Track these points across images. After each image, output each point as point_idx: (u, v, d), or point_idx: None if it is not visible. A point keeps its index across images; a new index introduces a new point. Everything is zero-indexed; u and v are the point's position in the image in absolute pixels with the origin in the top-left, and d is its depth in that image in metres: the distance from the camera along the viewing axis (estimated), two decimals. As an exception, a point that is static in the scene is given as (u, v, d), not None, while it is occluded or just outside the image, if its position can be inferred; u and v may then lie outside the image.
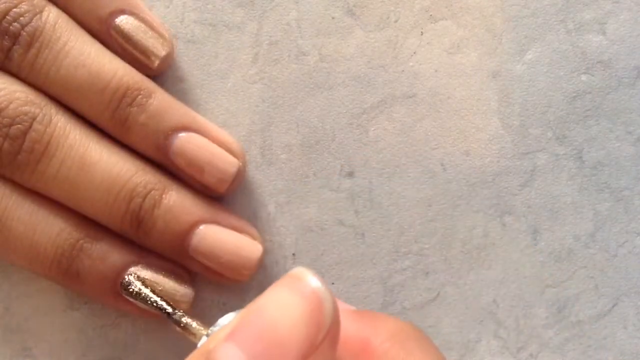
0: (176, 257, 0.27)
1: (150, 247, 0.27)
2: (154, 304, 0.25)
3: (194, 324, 0.24)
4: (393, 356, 0.20)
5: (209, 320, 0.27)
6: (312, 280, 0.18)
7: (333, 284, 0.29)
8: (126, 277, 0.26)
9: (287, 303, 0.18)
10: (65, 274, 0.26)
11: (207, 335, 0.23)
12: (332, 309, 0.18)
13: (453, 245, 0.29)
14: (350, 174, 0.29)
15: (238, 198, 0.29)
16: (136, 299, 0.26)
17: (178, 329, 0.24)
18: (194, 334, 0.24)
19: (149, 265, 0.27)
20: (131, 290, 0.26)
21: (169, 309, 0.25)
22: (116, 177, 0.26)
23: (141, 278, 0.26)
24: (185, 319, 0.24)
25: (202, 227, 0.27)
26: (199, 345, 0.23)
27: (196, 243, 0.27)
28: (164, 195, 0.27)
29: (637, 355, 0.30)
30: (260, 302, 0.18)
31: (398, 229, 0.29)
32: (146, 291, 0.26)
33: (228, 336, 0.17)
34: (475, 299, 0.29)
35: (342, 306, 0.21)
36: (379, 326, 0.21)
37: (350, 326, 0.21)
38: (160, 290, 0.26)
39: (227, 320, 0.20)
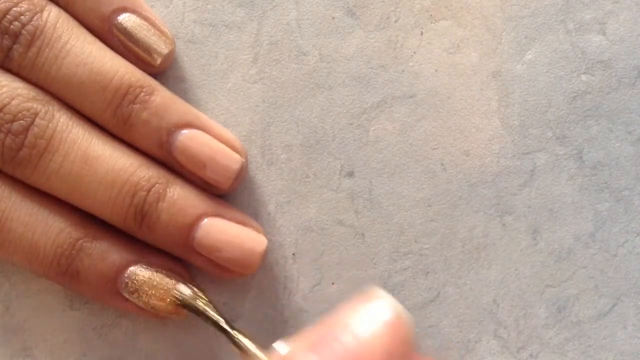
0: (180, 251, 0.27)
1: (154, 242, 0.27)
2: (211, 320, 0.26)
3: (252, 346, 0.24)
4: None
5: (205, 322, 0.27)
6: (391, 298, 0.18)
7: (333, 284, 0.29)
8: (181, 290, 0.26)
9: (369, 317, 0.18)
10: (65, 273, 0.26)
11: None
12: (411, 328, 0.18)
13: (453, 245, 0.29)
14: (350, 174, 0.29)
15: (238, 198, 0.29)
16: (194, 313, 0.26)
17: (234, 348, 0.25)
18: (249, 356, 0.24)
19: (149, 264, 0.27)
20: (189, 304, 0.26)
21: (227, 327, 0.25)
22: (120, 171, 0.26)
23: (146, 278, 0.26)
24: (243, 339, 0.25)
25: (206, 221, 0.27)
26: None
27: (201, 236, 0.27)
28: (168, 189, 0.27)
29: (637, 355, 0.30)
30: (340, 316, 0.18)
31: (398, 229, 0.29)
32: (205, 307, 0.26)
33: (309, 347, 0.17)
34: (475, 299, 0.29)
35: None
36: None
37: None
38: (160, 289, 0.26)
39: (280, 346, 0.20)
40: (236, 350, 0.25)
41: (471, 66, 0.29)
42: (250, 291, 0.29)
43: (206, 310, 0.26)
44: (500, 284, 0.29)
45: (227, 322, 0.26)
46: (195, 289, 0.27)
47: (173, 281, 0.27)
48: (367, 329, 0.18)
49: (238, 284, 0.29)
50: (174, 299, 0.26)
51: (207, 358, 0.29)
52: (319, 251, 0.29)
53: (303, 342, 0.18)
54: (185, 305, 0.26)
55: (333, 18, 0.29)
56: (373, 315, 0.18)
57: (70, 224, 0.26)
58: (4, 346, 0.29)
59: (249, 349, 0.24)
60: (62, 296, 0.29)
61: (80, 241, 0.26)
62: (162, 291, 0.27)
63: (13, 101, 0.25)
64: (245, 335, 0.25)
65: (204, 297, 0.26)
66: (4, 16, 0.25)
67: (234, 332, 0.25)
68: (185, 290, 0.26)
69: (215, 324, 0.26)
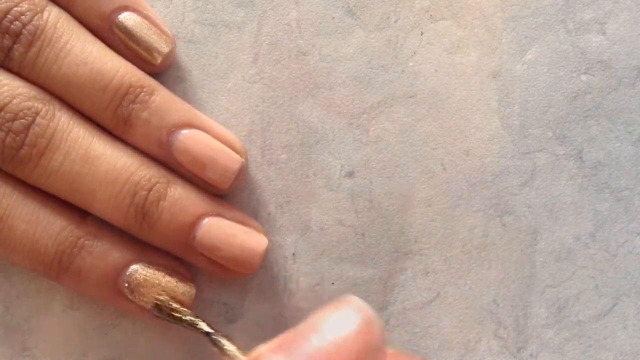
0: (180, 251, 0.27)
1: (154, 242, 0.27)
2: (189, 323, 0.26)
3: (232, 347, 0.24)
4: None
5: (208, 321, 0.27)
6: (363, 304, 0.19)
7: (333, 284, 0.29)
8: (160, 297, 0.26)
9: (338, 322, 0.18)
10: (66, 271, 0.26)
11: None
12: (381, 332, 0.18)
13: (453, 245, 0.29)
14: (350, 174, 0.29)
15: (238, 198, 0.29)
16: (169, 318, 0.26)
17: (215, 349, 0.25)
18: (229, 356, 0.24)
19: (150, 263, 0.27)
20: (163, 309, 0.26)
21: (207, 329, 0.25)
22: (121, 170, 0.26)
23: (147, 277, 0.26)
24: (223, 341, 0.25)
25: (206, 220, 0.27)
26: None
27: (201, 236, 0.27)
28: (168, 189, 0.27)
29: (637, 355, 0.30)
30: (310, 321, 0.18)
31: (398, 229, 0.29)
32: (181, 310, 0.26)
33: (276, 348, 0.17)
34: (475, 299, 0.29)
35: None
36: None
37: None
38: (161, 288, 0.26)
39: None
40: (215, 350, 0.25)
41: (471, 66, 0.29)
42: (250, 291, 0.29)
43: (184, 314, 0.26)
44: (500, 284, 0.29)
45: (207, 325, 0.26)
46: (172, 303, 0.27)
47: (174, 280, 0.27)
48: (336, 333, 0.18)
49: (238, 284, 0.29)
50: (152, 308, 0.26)
51: (207, 358, 0.29)
52: (319, 251, 0.29)
53: (272, 343, 0.18)
54: (161, 310, 0.26)
55: (333, 18, 0.29)
56: (343, 320, 0.19)
57: (72, 222, 0.26)
58: (4, 346, 0.29)
59: (228, 350, 0.24)
60: (62, 296, 0.29)
61: (82, 239, 0.26)
62: (162, 290, 0.27)
63: (14, 100, 0.25)
64: (223, 336, 0.25)
65: (182, 308, 0.26)
66: (5, 16, 0.26)
67: (215, 332, 0.25)
68: (164, 299, 0.26)
69: (195, 327, 0.26)
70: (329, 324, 0.19)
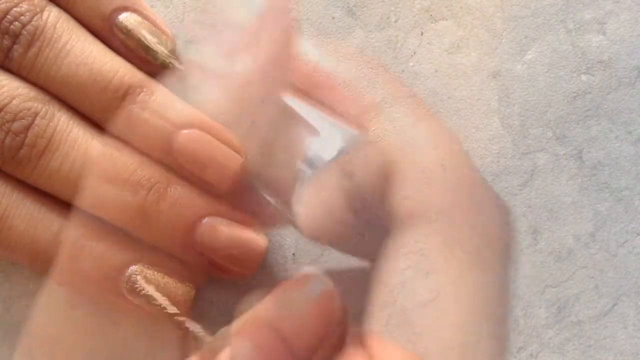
0: (180, 251, 0.27)
1: (154, 242, 0.27)
2: (158, 305, 0.26)
3: (198, 328, 0.24)
4: (366, 98, 0.20)
5: (208, 321, 0.27)
6: (323, 278, 0.18)
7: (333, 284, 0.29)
8: (132, 276, 0.26)
9: (296, 299, 0.18)
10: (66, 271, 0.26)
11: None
12: (341, 308, 0.18)
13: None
14: (351, 174, 0.29)
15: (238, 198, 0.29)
16: (140, 299, 0.26)
17: (180, 331, 0.25)
18: (196, 338, 0.24)
19: (150, 264, 0.27)
20: (136, 288, 0.26)
21: (173, 310, 0.25)
22: (120, 170, 0.26)
23: (146, 278, 0.26)
24: (189, 323, 0.24)
25: (206, 220, 0.27)
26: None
27: (201, 236, 0.27)
28: (168, 189, 0.27)
29: (637, 355, 0.30)
30: (269, 299, 0.18)
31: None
32: (152, 291, 0.26)
33: (237, 330, 0.17)
34: (476, 299, 0.29)
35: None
36: (349, 64, 0.20)
37: (326, 62, 0.20)
38: (161, 288, 0.26)
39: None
40: (183, 334, 0.25)
41: (471, 66, 0.29)
42: (251, 291, 0.29)
43: (153, 296, 0.26)
44: (500, 284, 0.29)
45: (172, 306, 0.26)
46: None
47: (173, 281, 0.27)
48: (296, 308, 0.18)
49: (238, 284, 0.29)
50: (124, 286, 0.26)
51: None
52: (319, 251, 0.29)
53: (236, 323, 0.18)
54: (133, 292, 0.26)
55: (333, 18, 0.29)
56: (303, 294, 0.18)
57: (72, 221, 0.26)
58: (4, 346, 0.29)
59: (194, 331, 0.25)
60: (62, 296, 0.29)
61: (82, 239, 0.26)
62: (162, 290, 0.27)
63: (13, 101, 0.25)
64: (193, 322, 0.25)
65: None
66: (4, 16, 0.25)
67: (182, 316, 0.25)
68: (138, 278, 0.26)
69: (164, 310, 0.26)
70: (289, 299, 0.18)
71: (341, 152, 0.17)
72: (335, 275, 0.22)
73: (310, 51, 0.20)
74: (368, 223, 0.19)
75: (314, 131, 0.18)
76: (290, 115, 0.18)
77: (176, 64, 0.26)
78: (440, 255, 0.17)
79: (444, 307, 0.16)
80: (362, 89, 0.19)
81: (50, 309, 0.29)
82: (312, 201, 0.17)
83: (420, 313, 0.16)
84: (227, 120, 0.16)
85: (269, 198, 0.18)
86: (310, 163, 0.17)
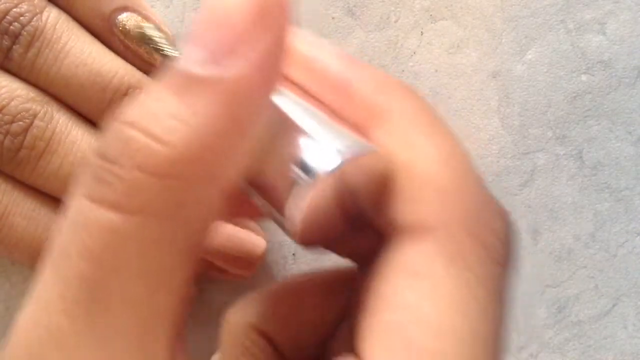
0: None
1: None
2: (150, 42, 0.26)
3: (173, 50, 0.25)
4: (373, 104, 0.19)
5: (208, 321, 0.27)
6: None
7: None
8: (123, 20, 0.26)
9: None
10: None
11: None
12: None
13: (453, 245, 0.29)
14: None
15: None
16: (132, 39, 0.26)
17: (160, 57, 0.25)
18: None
19: None
20: (127, 29, 0.26)
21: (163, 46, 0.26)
22: None
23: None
24: (169, 49, 0.25)
25: None
26: None
27: None
28: None
29: (637, 355, 0.30)
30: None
31: (398, 229, 0.29)
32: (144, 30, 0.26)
33: (185, 43, 0.17)
34: (475, 299, 0.29)
35: (332, 47, 0.20)
36: (365, 73, 0.20)
37: (332, 63, 0.20)
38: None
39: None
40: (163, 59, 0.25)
41: (471, 66, 0.29)
42: (250, 291, 0.29)
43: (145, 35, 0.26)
44: (500, 284, 0.29)
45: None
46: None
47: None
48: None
49: (238, 284, 0.29)
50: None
51: (207, 358, 0.29)
52: (319, 251, 0.29)
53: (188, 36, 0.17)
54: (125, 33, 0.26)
55: (333, 18, 0.29)
56: None
57: None
58: (4, 346, 0.29)
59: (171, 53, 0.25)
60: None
61: None
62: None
63: (12, 102, 0.25)
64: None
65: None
66: (4, 17, 0.25)
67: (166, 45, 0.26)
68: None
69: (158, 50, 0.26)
70: None
71: (340, 159, 0.17)
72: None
73: (319, 50, 0.19)
74: (362, 231, 0.19)
75: (310, 136, 0.17)
76: (285, 119, 0.17)
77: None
78: (444, 272, 0.16)
79: (447, 325, 0.16)
80: (371, 95, 0.19)
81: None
82: (306, 208, 0.17)
83: (426, 335, 0.16)
84: (219, 130, 0.15)
85: (261, 204, 0.18)
86: (306, 169, 0.17)
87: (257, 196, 0.18)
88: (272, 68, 0.16)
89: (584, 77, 0.29)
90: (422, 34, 0.29)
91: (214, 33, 0.16)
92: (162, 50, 0.26)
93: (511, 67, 0.29)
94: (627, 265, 0.29)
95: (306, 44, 0.19)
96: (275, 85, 0.17)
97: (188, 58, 0.16)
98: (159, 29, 0.28)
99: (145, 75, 0.27)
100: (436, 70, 0.29)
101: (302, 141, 0.17)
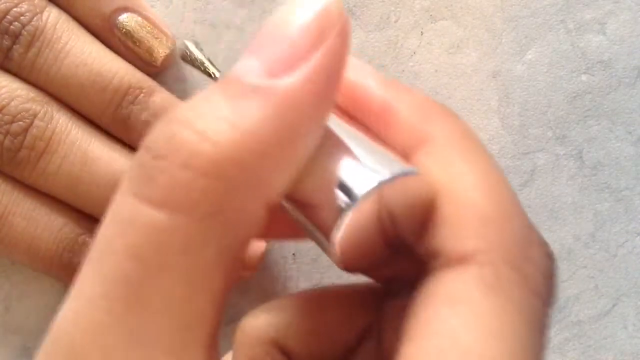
0: None
1: None
2: (204, 68, 0.26)
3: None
4: (416, 129, 0.19)
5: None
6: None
7: (333, 283, 0.29)
8: (185, 42, 0.27)
9: (294, 7, 0.17)
10: (66, 268, 0.26)
11: None
12: (339, 6, 0.17)
13: (453, 245, 0.29)
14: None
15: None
16: (192, 63, 0.26)
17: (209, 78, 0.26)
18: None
19: None
20: (188, 54, 0.26)
21: (215, 72, 0.26)
22: (119, 172, 0.26)
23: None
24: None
25: None
26: None
27: None
28: None
29: (637, 355, 0.30)
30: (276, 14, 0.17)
31: (398, 229, 0.29)
32: (201, 57, 0.26)
33: (245, 51, 0.17)
34: (475, 299, 0.29)
35: (374, 71, 0.21)
36: (405, 96, 0.20)
37: (375, 87, 0.20)
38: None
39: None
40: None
41: (471, 66, 0.29)
42: (251, 290, 0.29)
43: (203, 62, 0.26)
44: (500, 284, 0.29)
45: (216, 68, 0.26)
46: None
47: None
48: (289, 14, 0.17)
49: (238, 284, 0.29)
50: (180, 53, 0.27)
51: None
52: (319, 251, 0.29)
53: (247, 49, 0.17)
54: (186, 58, 0.27)
55: (333, 18, 0.29)
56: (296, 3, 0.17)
57: (73, 219, 0.26)
58: (4, 346, 0.29)
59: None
60: (62, 296, 0.29)
61: (83, 236, 0.26)
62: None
63: (12, 102, 0.25)
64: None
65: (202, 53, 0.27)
66: (4, 16, 0.25)
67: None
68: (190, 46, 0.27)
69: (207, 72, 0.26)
70: (282, 9, 0.17)
71: (382, 183, 0.17)
72: None
73: (362, 73, 0.19)
74: (402, 257, 0.19)
75: (355, 158, 0.17)
76: (332, 139, 0.17)
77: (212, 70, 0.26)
78: (483, 300, 0.16)
79: (485, 353, 0.16)
80: (415, 122, 0.19)
81: (50, 309, 0.29)
82: (347, 231, 0.17)
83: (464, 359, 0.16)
84: (267, 137, 0.15)
85: (302, 224, 0.18)
86: (349, 192, 0.17)
87: (301, 217, 0.18)
88: (327, 87, 0.16)
89: (584, 77, 0.29)
90: (422, 34, 0.29)
91: (274, 47, 0.16)
92: (209, 71, 0.26)
93: (511, 67, 0.29)
94: (627, 265, 0.29)
95: (350, 68, 0.19)
96: (330, 104, 0.17)
97: (245, 68, 0.16)
98: (159, 29, 0.28)
99: (145, 75, 0.27)
100: (436, 70, 0.29)
101: (347, 163, 0.17)
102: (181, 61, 0.27)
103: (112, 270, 0.15)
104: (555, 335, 0.29)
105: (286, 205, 0.18)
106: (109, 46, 0.27)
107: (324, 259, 0.29)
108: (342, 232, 0.17)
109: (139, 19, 0.27)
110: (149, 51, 0.27)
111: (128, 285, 0.15)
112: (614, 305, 0.29)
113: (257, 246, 0.27)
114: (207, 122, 0.16)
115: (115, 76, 0.26)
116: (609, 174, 0.29)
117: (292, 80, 0.16)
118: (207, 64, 0.26)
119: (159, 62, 0.27)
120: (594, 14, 0.29)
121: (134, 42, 0.27)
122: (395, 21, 0.29)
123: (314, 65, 0.16)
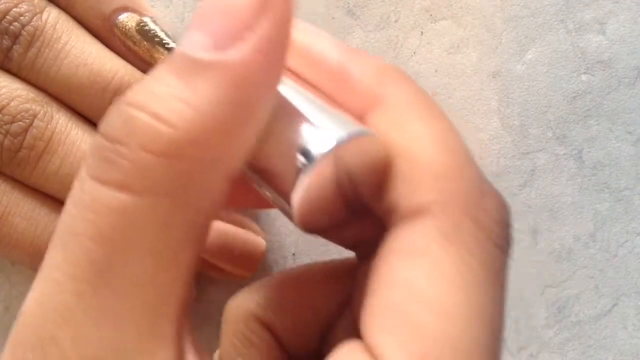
0: None
1: None
2: (160, 40, 0.26)
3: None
4: (370, 91, 0.19)
5: (208, 321, 0.27)
6: None
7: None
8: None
9: None
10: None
11: None
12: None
13: (453, 245, 0.29)
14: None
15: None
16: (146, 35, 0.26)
17: (164, 51, 0.26)
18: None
19: None
20: (143, 25, 0.26)
21: (166, 40, 0.26)
22: None
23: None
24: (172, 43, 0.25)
25: None
26: None
27: None
28: None
29: (637, 355, 0.30)
30: None
31: (398, 229, 0.29)
32: (155, 28, 0.26)
33: (189, 27, 0.17)
34: (475, 299, 0.29)
35: (330, 37, 0.21)
36: (360, 60, 0.20)
37: (330, 51, 0.20)
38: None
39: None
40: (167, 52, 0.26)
41: (471, 66, 0.29)
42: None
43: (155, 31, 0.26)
44: (500, 284, 0.29)
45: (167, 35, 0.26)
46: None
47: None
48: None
49: (238, 284, 0.29)
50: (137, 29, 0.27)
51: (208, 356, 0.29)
52: (319, 251, 0.29)
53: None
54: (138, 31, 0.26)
55: (333, 18, 0.29)
56: None
57: None
58: (4, 346, 0.29)
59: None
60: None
61: None
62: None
63: (12, 102, 0.25)
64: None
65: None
66: (4, 17, 0.25)
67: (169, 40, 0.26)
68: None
69: (161, 43, 0.26)
70: None
71: (338, 144, 0.17)
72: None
73: (317, 39, 0.20)
74: (363, 220, 0.19)
75: (311, 122, 0.17)
76: (286, 105, 0.18)
77: None
78: (442, 251, 0.17)
79: (447, 304, 0.16)
80: (370, 85, 0.19)
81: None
82: (306, 193, 0.17)
83: (427, 313, 0.16)
84: (223, 113, 0.15)
85: (265, 190, 0.18)
86: (305, 153, 0.17)
87: (263, 184, 0.18)
88: (276, 55, 0.16)
89: (584, 77, 0.29)
90: (422, 34, 0.29)
91: (218, 19, 0.16)
92: (167, 44, 0.26)
93: (511, 67, 0.29)
94: (627, 265, 0.29)
95: (304, 34, 0.20)
96: (280, 72, 0.17)
97: (192, 43, 0.16)
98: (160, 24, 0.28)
99: (145, 75, 0.27)
100: (436, 70, 0.29)
101: (302, 127, 0.17)
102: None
103: (77, 252, 0.15)
104: (555, 335, 0.29)
105: (248, 173, 0.18)
106: (109, 46, 0.27)
107: (324, 258, 0.29)
108: (301, 193, 0.17)
109: (139, 18, 0.27)
110: (149, 51, 0.27)
111: (94, 267, 0.15)
112: (614, 305, 0.29)
113: (257, 246, 0.27)
114: (161, 103, 0.16)
115: (115, 76, 0.26)
116: (609, 174, 0.29)
117: (241, 52, 0.16)
118: (162, 35, 0.26)
119: (158, 62, 0.27)
120: (594, 14, 0.29)
121: (134, 42, 0.27)
122: (395, 21, 0.29)
123: (261, 34, 0.16)
